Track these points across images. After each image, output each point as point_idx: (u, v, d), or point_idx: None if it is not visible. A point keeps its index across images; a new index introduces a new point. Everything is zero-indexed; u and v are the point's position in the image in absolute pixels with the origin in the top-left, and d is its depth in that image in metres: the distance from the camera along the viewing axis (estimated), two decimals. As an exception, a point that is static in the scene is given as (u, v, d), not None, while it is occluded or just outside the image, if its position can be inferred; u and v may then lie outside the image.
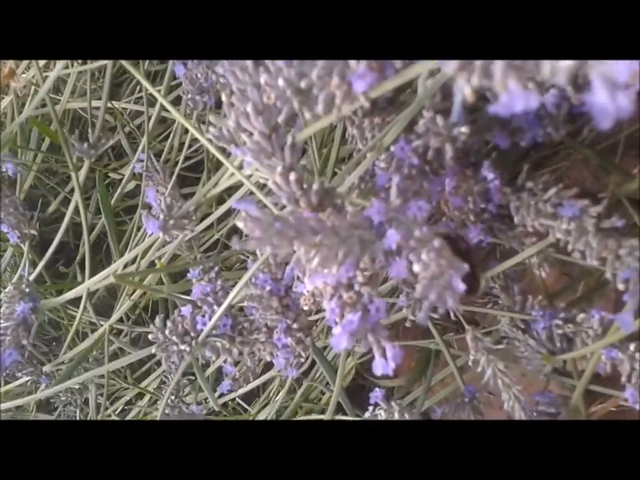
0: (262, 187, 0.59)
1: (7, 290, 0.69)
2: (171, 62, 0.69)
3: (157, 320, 0.59)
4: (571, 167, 0.65)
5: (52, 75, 0.62)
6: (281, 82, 0.36)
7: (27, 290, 0.69)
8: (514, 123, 0.46)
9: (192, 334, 0.58)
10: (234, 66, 0.40)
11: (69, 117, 1.02)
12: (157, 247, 0.66)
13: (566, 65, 0.21)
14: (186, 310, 0.59)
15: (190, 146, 0.93)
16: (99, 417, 1.01)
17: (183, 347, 0.58)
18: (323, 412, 0.94)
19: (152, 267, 0.70)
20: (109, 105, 0.85)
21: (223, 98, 0.42)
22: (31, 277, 0.74)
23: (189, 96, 0.64)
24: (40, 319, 0.82)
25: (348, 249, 0.37)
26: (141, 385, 1.11)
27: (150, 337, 0.58)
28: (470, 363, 0.58)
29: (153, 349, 0.58)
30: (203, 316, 0.58)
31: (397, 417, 0.60)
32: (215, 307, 0.58)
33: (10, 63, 0.54)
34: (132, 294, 0.90)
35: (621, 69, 0.20)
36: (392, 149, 0.45)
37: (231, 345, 0.59)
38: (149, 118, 0.77)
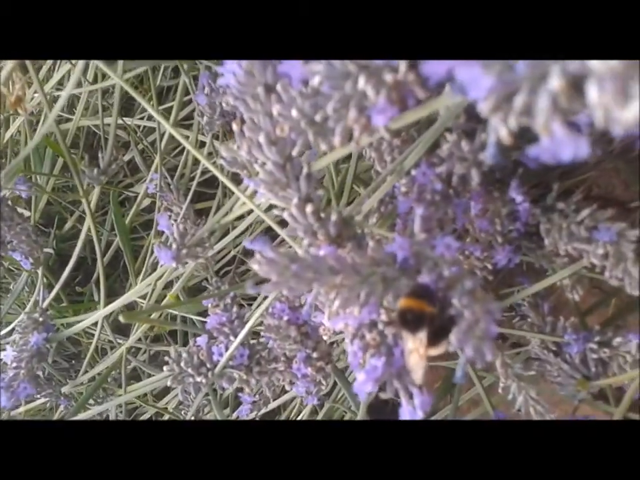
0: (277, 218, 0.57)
1: (20, 319, 0.67)
2: (183, 82, 0.66)
3: (172, 351, 0.57)
4: (600, 175, 0.62)
5: (63, 94, 0.60)
6: (294, 113, 0.33)
7: (41, 319, 0.67)
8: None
9: (208, 365, 0.56)
10: (245, 94, 0.38)
11: (84, 133, 1.00)
12: (171, 272, 0.64)
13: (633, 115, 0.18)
14: (202, 340, 0.56)
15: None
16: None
17: (199, 379, 0.55)
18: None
19: (164, 297, 0.68)
20: (122, 121, 0.83)
21: (234, 127, 0.39)
22: (46, 302, 0.72)
23: (205, 119, 0.62)
24: (55, 346, 0.80)
25: (370, 288, 0.34)
26: (161, 402, 1.10)
27: (165, 368, 0.56)
28: (500, 390, 0.56)
29: (168, 382, 0.56)
30: (219, 346, 0.56)
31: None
32: (232, 337, 0.56)
33: (17, 90, 0.52)
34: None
35: None
36: (413, 172, 0.42)
37: (248, 376, 0.57)
38: (162, 135, 0.76)
